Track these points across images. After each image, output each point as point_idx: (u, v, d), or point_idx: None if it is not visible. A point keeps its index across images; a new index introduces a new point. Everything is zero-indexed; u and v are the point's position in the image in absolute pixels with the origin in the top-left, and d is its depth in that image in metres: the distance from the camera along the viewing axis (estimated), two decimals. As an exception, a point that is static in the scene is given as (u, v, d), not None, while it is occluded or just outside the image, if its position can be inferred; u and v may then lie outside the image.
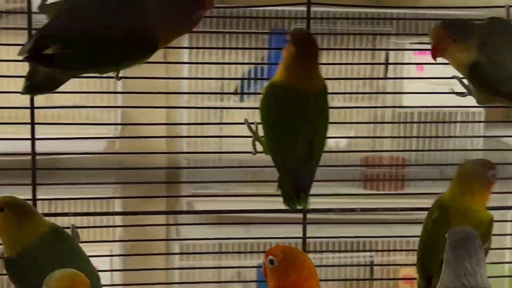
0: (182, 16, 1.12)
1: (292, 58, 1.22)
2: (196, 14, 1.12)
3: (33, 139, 1.35)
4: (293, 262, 1.08)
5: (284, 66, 1.24)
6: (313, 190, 1.28)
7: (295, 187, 1.24)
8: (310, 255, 1.51)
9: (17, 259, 1.19)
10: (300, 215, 1.51)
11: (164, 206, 2.64)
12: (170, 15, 1.11)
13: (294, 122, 1.23)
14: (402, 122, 2.71)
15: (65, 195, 1.72)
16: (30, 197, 1.39)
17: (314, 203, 1.31)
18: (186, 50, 2.56)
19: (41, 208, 1.40)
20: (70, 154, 1.44)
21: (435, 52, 1.25)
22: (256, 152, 1.32)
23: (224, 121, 2.63)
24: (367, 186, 2.70)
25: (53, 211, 1.97)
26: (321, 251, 2.35)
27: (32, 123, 1.35)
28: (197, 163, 2.59)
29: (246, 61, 2.66)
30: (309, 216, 1.51)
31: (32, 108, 1.35)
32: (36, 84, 1.13)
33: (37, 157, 1.39)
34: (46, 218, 1.27)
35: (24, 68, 1.33)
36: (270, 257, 1.09)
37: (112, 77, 1.29)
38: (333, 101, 1.37)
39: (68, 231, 1.29)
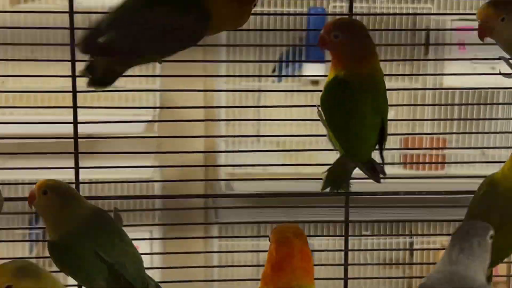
0: (235, 13, 1.12)
1: (343, 48, 1.19)
2: (248, 9, 1.13)
3: (75, 123, 1.36)
4: (278, 241, 1.08)
5: (337, 57, 1.21)
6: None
7: (373, 170, 1.25)
8: (351, 238, 1.50)
9: (60, 243, 1.20)
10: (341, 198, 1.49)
11: (202, 187, 2.65)
12: (225, 13, 1.11)
13: (361, 113, 1.22)
14: (443, 104, 2.66)
15: (105, 177, 1.73)
16: (72, 178, 1.40)
17: (354, 184, 1.31)
18: (224, 32, 2.55)
19: (81, 189, 1.41)
20: (111, 137, 1.44)
21: (482, 32, 1.22)
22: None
23: (261, 103, 2.62)
24: (407, 167, 2.67)
25: (93, 193, 1.98)
26: (360, 235, 2.33)
27: (75, 107, 1.35)
28: (235, 145, 2.59)
29: (284, 42, 2.64)
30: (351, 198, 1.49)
31: (74, 92, 1.35)
32: (98, 79, 1.14)
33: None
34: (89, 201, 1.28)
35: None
36: (269, 235, 1.11)
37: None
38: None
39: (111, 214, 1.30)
